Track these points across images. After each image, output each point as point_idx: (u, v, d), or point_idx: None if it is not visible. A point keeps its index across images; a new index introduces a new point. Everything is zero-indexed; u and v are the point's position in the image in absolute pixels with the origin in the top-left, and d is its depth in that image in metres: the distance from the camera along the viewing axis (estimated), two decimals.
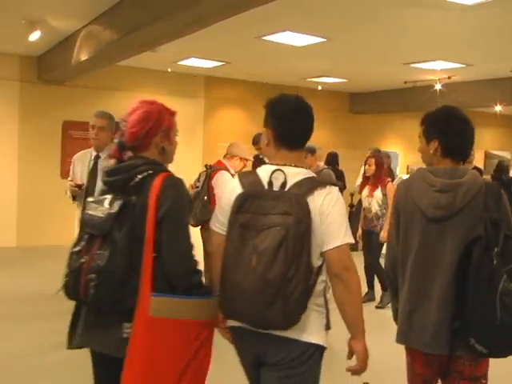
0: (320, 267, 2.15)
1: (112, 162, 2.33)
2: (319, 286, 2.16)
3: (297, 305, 2.05)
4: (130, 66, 9.59)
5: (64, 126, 9.91)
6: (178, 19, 5.12)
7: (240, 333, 2.24)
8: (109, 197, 2.22)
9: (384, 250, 5.60)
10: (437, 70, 9.34)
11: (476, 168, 6.79)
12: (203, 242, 5.54)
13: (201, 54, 8.93)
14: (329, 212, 2.13)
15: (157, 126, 2.31)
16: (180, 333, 2.17)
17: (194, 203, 5.55)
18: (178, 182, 2.27)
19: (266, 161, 7.23)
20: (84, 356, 2.45)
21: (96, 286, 2.11)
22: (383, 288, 6.24)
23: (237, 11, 4.89)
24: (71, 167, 4.72)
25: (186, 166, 10.57)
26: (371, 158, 6.52)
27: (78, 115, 9.92)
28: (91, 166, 4.54)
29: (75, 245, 2.26)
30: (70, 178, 4.67)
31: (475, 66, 8.94)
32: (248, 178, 2.30)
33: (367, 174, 6.53)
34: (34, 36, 7.22)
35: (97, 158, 4.57)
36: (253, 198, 2.16)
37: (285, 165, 2.24)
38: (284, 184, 2.18)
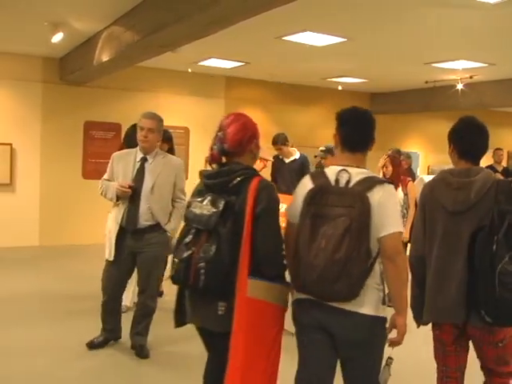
0: (377, 252, 2.53)
1: (214, 166, 2.80)
2: (377, 268, 2.55)
3: (357, 281, 2.45)
4: (151, 66, 9.65)
5: (85, 127, 10.01)
6: (199, 20, 5.14)
7: (307, 304, 2.60)
8: (209, 197, 2.62)
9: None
10: (458, 70, 9.25)
11: (491, 167, 6.76)
12: None
13: (221, 54, 8.95)
14: (385, 205, 2.52)
15: (253, 135, 2.77)
16: (270, 314, 2.58)
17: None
18: (270, 185, 2.74)
19: (285, 160, 7.27)
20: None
21: (206, 274, 2.51)
22: None
23: (257, 11, 4.89)
24: (110, 165, 4.57)
25: (206, 166, 10.62)
26: (387, 159, 6.51)
27: (100, 116, 10.04)
28: (137, 167, 4.42)
29: (182, 238, 2.65)
30: (106, 177, 4.55)
31: (498, 66, 8.85)
32: (317, 176, 2.72)
33: (386, 176, 6.49)
34: (57, 38, 7.30)
35: (144, 159, 4.43)
36: (322, 192, 2.58)
37: (348, 165, 2.65)
38: (348, 182, 2.59)
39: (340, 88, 11.74)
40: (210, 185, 2.71)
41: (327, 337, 2.59)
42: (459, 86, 10.13)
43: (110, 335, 4.77)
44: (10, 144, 9.35)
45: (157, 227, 4.42)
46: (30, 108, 9.56)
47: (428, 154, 13.83)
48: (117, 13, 6.51)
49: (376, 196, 2.52)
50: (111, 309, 4.71)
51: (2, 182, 9.31)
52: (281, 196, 6.48)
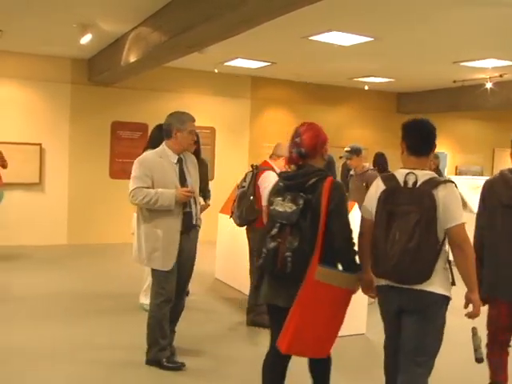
0: (443, 240, 2.98)
1: (292, 167, 3.26)
2: (444, 254, 3.01)
3: (428, 266, 2.92)
4: (177, 67, 9.71)
5: (113, 127, 10.11)
6: (226, 20, 5.15)
7: (386, 289, 3.10)
8: (289, 196, 3.08)
9: None
10: (488, 69, 9.12)
11: None
12: (248, 241, 5.57)
13: (247, 54, 8.96)
14: (449, 201, 2.96)
15: (324, 141, 3.30)
16: (333, 295, 3.05)
17: (240, 203, 5.56)
18: (341, 185, 3.19)
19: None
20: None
21: (292, 261, 2.97)
22: None
23: (284, 11, 4.89)
24: (142, 173, 4.23)
25: (231, 166, 10.72)
26: None
27: (127, 116, 10.14)
28: (177, 168, 4.34)
29: (269, 231, 3.10)
30: (144, 185, 4.19)
31: None
32: (388, 179, 3.16)
33: None
34: (86, 39, 7.39)
35: (180, 160, 4.38)
36: (394, 192, 3.06)
37: (414, 168, 3.09)
38: (415, 183, 3.04)
39: (366, 88, 11.67)
40: (289, 185, 3.17)
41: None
42: (488, 85, 9.98)
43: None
44: (40, 144, 9.50)
45: (196, 225, 4.50)
46: (59, 108, 9.70)
47: (455, 155, 13.67)
48: (144, 14, 6.56)
49: (440, 194, 2.96)
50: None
51: (32, 181, 9.46)
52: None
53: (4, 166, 7.89)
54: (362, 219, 3.29)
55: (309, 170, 3.16)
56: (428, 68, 9.44)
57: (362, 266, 3.19)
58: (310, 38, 7.39)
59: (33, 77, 9.47)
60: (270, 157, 5.65)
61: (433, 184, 3.00)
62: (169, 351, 4.43)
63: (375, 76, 10.52)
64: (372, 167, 6.85)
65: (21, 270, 7.63)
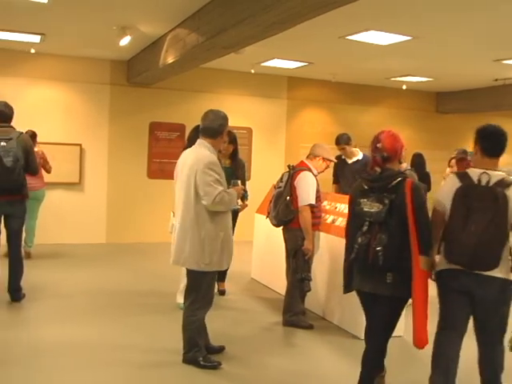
0: (509, 233, 3.40)
1: (376, 169, 3.67)
2: (508, 245, 3.40)
3: (498, 255, 3.35)
4: (214, 67, 9.77)
5: (151, 127, 10.23)
6: (262, 21, 5.16)
7: (457, 274, 3.49)
8: (373, 196, 3.55)
9: None
10: None
11: None
12: (285, 241, 5.56)
13: (284, 54, 8.96)
14: None
15: (402, 146, 3.73)
16: (427, 279, 3.54)
17: (276, 203, 5.57)
18: (420, 186, 3.65)
19: (348, 161, 7.19)
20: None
21: (383, 255, 3.44)
22: None
23: (320, 11, 4.87)
24: (218, 176, 4.24)
25: (268, 166, 10.73)
26: (453, 159, 6.37)
27: (164, 116, 10.25)
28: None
29: (359, 229, 3.58)
30: (223, 187, 4.22)
31: None
32: (463, 177, 3.55)
33: None
34: (125, 41, 7.50)
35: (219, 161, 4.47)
36: (471, 189, 3.46)
37: (488, 169, 3.48)
38: (488, 182, 3.43)
39: (404, 87, 11.53)
40: (373, 186, 3.62)
41: (468, 298, 3.49)
42: None
43: None
44: (80, 144, 9.67)
45: None
46: (99, 109, 9.86)
47: None
48: (182, 16, 6.63)
49: (509, 193, 3.38)
50: None
51: (72, 181, 9.65)
52: (342, 197, 6.41)
53: (48, 171, 8.04)
54: (435, 210, 3.73)
55: (391, 172, 3.61)
56: (468, 66, 9.27)
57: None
58: (348, 38, 7.34)
59: (73, 79, 9.66)
60: (307, 157, 5.64)
61: (505, 184, 3.42)
62: (204, 350, 4.47)
63: (413, 75, 10.39)
64: (409, 167, 6.75)
65: (61, 268, 7.78)
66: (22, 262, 6.16)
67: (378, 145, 3.65)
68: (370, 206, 3.53)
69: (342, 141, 7.24)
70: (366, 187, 3.66)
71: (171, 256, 4.41)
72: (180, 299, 5.84)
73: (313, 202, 5.33)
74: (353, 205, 3.73)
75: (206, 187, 4.14)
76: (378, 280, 3.54)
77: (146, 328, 5.40)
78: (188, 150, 4.49)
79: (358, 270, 3.68)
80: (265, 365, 4.60)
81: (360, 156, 7.28)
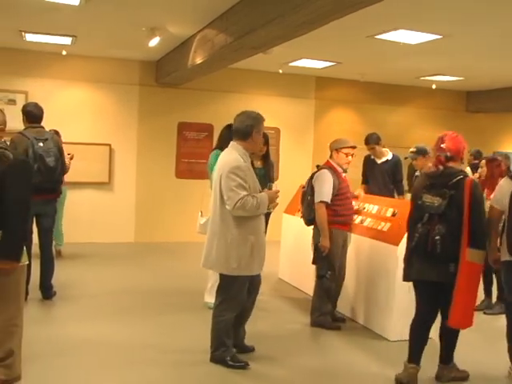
0: None
1: (433, 167, 4.09)
2: None
3: None
4: (242, 68, 9.79)
5: (179, 127, 10.30)
6: (290, 21, 5.15)
7: None
8: (435, 191, 3.92)
9: None
10: None
11: None
12: (312, 237, 5.57)
13: (312, 54, 8.93)
14: None
15: (464, 147, 4.14)
16: (477, 271, 3.93)
17: (302, 203, 5.61)
18: (478, 184, 4.00)
19: (377, 161, 7.14)
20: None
21: (441, 244, 3.83)
22: (499, 297, 6.05)
23: (349, 11, 4.84)
24: (241, 179, 4.15)
25: (296, 167, 10.72)
26: (483, 160, 6.29)
27: (193, 116, 10.31)
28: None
29: (419, 220, 3.97)
30: (246, 192, 4.14)
31: None
32: None
33: (482, 178, 6.25)
34: (154, 42, 7.56)
35: (251, 163, 4.52)
36: None
37: None
38: None
39: (434, 87, 11.40)
40: (434, 182, 3.99)
41: None
42: None
43: None
44: (109, 144, 9.79)
45: None
46: (128, 110, 9.97)
47: None
48: (210, 16, 6.66)
49: None
50: None
51: (102, 180, 9.76)
52: (370, 197, 6.35)
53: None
54: (492, 208, 4.24)
55: (453, 170, 3.97)
56: (499, 65, 9.13)
57: (489, 245, 4.17)
58: (376, 37, 7.29)
59: (103, 79, 9.78)
60: (330, 156, 5.63)
61: None
62: (232, 350, 4.48)
63: (443, 74, 10.26)
64: None
65: (91, 266, 7.89)
66: (53, 261, 6.26)
67: (442, 145, 4.02)
68: (431, 200, 3.91)
69: (372, 140, 7.20)
70: (428, 183, 4.03)
71: (202, 259, 4.43)
72: (208, 298, 5.88)
73: (326, 199, 5.31)
74: (415, 199, 4.10)
75: (229, 192, 4.13)
76: (442, 269, 3.89)
77: (174, 327, 5.44)
78: (223, 153, 4.45)
79: (420, 260, 4.01)
80: (293, 365, 4.60)
81: (389, 156, 7.23)
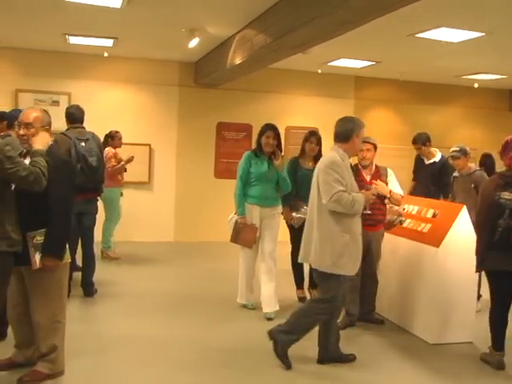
0: None
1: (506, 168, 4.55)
2: None
3: None
4: (281, 68, 9.78)
5: (218, 127, 10.36)
6: (330, 21, 5.14)
7: None
8: (510, 189, 4.33)
9: None
10: None
11: None
12: None
13: (351, 54, 8.87)
14: None
15: None
16: None
17: None
18: None
19: (425, 162, 7.10)
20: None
21: None
22: None
23: (388, 10, 4.80)
24: (339, 176, 4.21)
25: None
26: None
27: (231, 117, 10.36)
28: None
29: (500, 216, 4.30)
30: (344, 188, 4.20)
31: None
32: None
33: None
34: (193, 43, 7.63)
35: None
36: None
37: None
38: None
39: (476, 86, 11.18)
40: (509, 181, 4.38)
41: None
42: None
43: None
44: (149, 145, 9.92)
45: None
46: (168, 110, 10.08)
47: None
48: (249, 17, 6.68)
49: None
50: None
51: (142, 180, 9.89)
52: (413, 198, 6.23)
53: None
54: None
55: None
56: None
57: None
58: (417, 36, 7.20)
59: (143, 80, 9.92)
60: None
61: None
62: (289, 345, 4.43)
63: (485, 73, 10.05)
64: (478, 168, 6.55)
65: (131, 265, 8.00)
66: (94, 259, 6.38)
67: None
68: (509, 197, 4.29)
69: (418, 140, 7.11)
70: (503, 182, 4.40)
71: (299, 254, 4.54)
72: (241, 300, 5.96)
73: None
74: (489, 198, 4.42)
75: (325, 185, 4.21)
76: None
77: (213, 326, 5.48)
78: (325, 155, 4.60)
79: (502, 251, 4.32)
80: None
81: (437, 158, 7.10)
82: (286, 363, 4.38)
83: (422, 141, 7.07)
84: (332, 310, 4.37)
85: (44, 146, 3.76)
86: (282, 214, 6.06)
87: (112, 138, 8.18)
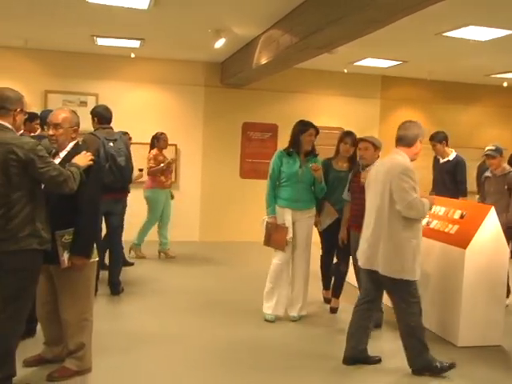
0: None
1: None
2: None
3: None
4: (307, 68, 9.75)
5: (244, 127, 10.38)
6: (356, 21, 5.11)
7: None
8: None
9: None
10: None
11: None
12: None
13: (377, 53, 8.81)
14: None
15: None
16: None
17: None
18: None
19: (440, 160, 7.07)
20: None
21: None
22: None
23: (416, 9, 4.75)
24: (415, 183, 4.23)
25: None
26: None
27: (257, 117, 10.37)
28: None
29: None
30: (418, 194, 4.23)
31: None
32: None
33: None
34: (219, 43, 7.66)
35: None
36: None
37: None
38: None
39: (505, 84, 11.00)
40: None
41: None
42: None
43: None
44: (175, 145, 9.97)
45: None
46: (193, 111, 10.13)
47: None
48: (275, 17, 6.68)
49: None
50: None
51: None
52: (441, 199, 6.15)
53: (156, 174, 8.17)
54: None
55: None
56: None
57: None
58: (445, 34, 7.11)
59: (169, 81, 9.98)
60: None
61: None
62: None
63: None
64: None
65: (157, 264, 8.07)
66: (120, 258, 6.45)
67: None
68: None
69: (434, 138, 7.09)
70: None
71: (360, 259, 4.48)
72: (267, 310, 5.68)
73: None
74: None
75: (402, 193, 4.17)
76: None
77: (236, 327, 5.49)
78: (387, 157, 4.52)
79: None
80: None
81: (451, 156, 7.02)
82: (448, 365, 4.36)
83: (436, 139, 7.05)
84: (418, 309, 4.33)
85: (83, 165, 3.81)
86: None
87: (157, 140, 8.27)
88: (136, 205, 7.79)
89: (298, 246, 5.64)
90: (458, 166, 6.99)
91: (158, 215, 8.29)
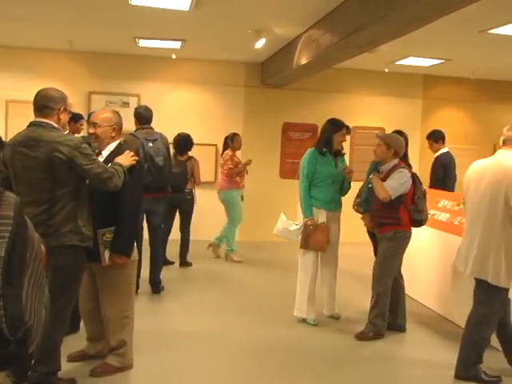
0: None
1: None
2: None
3: None
4: (347, 67, 9.67)
5: (284, 127, 10.38)
6: (398, 19, 5.05)
7: None
8: None
9: None
10: None
11: None
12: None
13: (419, 52, 8.68)
14: None
15: None
16: None
17: None
18: None
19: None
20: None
21: None
22: None
23: (459, 6, 4.67)
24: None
25: None
26: None
27: (297, 117, 10.35)
28: None
29: None
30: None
31: None
32: None
33: None
34: (260, 44, 7.67)
35: None
36: None
37: None
38: None
39: None
40: None
41: None
42: None
43: None
44: (216, 145, 10.03)
45: None
46: (234, 111, 10.18)
47: None
48: (316, 16, 6.66)
49: None
50: None
51: (208, 179, 9.99)
52: (449, 194, 5.96)
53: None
54: None
55: None
56: None
57: None
58: (490, 32, 6.96)
59: (210, 81, 10.05)
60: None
61: None
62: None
63: None
64: None
65: (196, 263, 8.08)
66: (161, 257, 6.52)
67: None
68: None
69: (431, 136, 7.41)
70: None
71: (466, 267, 4.21)
72: (300, 313, 5.58)
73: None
74: None
75: None
76: None
77: (276, 327, 5.49)
78: (483, 162, 4.31)
79: None
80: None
81: (439, 153, 7.31)
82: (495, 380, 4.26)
83: (434, 137, 7.28)
84: (495, 324, 4.21)
85: (126, 164, 3.86)
86: (363, 219, 5.62)
87: (231, 141, 8.35)
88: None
89: (330, 246, 5.53)
90: (437, 161, 7.33)
91: (238, 215, 8.43)
